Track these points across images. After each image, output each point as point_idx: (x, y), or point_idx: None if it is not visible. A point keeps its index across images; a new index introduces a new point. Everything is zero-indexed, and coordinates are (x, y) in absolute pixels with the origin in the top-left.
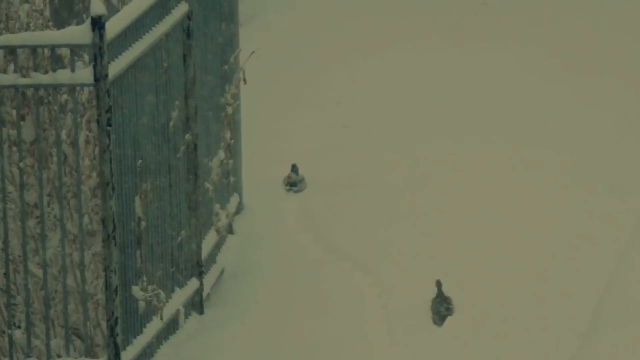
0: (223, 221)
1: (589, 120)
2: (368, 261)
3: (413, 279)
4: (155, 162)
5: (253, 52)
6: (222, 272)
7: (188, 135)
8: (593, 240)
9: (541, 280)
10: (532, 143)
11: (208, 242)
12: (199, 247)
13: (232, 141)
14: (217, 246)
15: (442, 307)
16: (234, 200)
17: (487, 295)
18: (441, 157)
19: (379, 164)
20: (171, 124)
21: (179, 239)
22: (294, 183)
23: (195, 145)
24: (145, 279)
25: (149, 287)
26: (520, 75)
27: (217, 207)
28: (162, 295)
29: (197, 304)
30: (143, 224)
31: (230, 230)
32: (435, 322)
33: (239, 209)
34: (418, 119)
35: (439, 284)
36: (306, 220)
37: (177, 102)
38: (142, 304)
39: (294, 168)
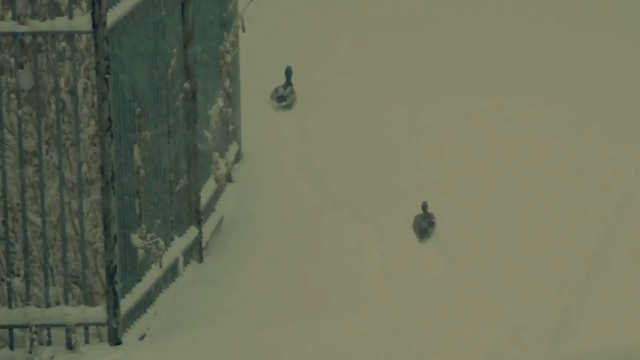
0: (222, 170)
1: (584, 72)
2: (365, 210)
3: (408, 228)
4: (154, 110)
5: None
6: (221, 221)
7: (187, 83)
8: (593, 186)
9: (535, 228)
10: (529, 94)
11: (207, 191)
12: (198, 195)
13: (231, 89)
14: (216, 195)
15: (424, 222)
16: (233, 148)
17: (482, 239)
18: (439, 111)
19: (377, 115)
20: (170, 71)
21: (178, 187)
22: (282, 97)
23: (194, 93)
24: (144, 227)
25: (148, 235)
26: (515, 28)
27: (216, 155)
28: (161, 243)
29: (196, 252)
30: (142, 172)
31: (229, 178)
32: (418, 238)
33: (238, 158)
34: (417, 78)
35: (424, 204)
36: (305, 169)
37: (175, 50)
38: (141, 252)
39: (287, 72)
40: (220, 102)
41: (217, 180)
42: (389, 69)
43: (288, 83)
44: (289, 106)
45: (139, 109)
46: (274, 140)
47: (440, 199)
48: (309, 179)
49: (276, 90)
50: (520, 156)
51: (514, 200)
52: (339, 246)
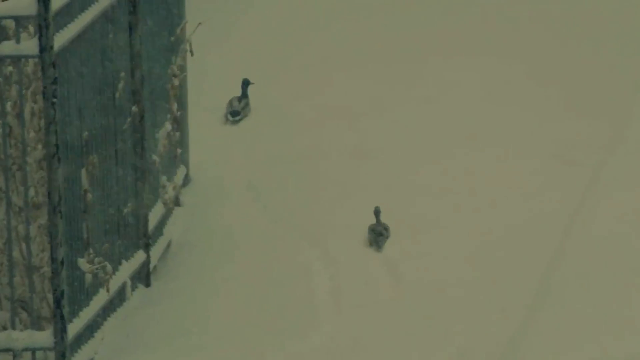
0: (170, 193)
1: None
2: (315, 232)
3: (358, 250)
4: (102, 134)
5: (200, 23)
6: (169, 244)
7: (134, 106)
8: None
9: (484, 250)
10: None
11: (155, 215)
12: (146, 219)
13: (179, 113)
14: (164, 218)
15: (378, 227)
16: (181, 172)
17: (431, 262)
18: (390, 131)
19: (328, 135)
20: (117, 95)
21: (126, 211)
22: (236, 111)
23: (142, 117)
24: (91, 251)
25: (96, 260)
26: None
27: (164, 179)
28: (109, 267)
29: (143, 277)
30: (89, 195)
31: (177, 202)
32: (370, 243)
33: (186, 181)
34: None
35: (377, 210)
36: (253, 192)
37: (123, 74)
38: (88, 277)
39: (244, 83)
40: (168, 125)
41: (165, 204)
42: (343, 92)
43: (244, 95)
44: (242, 120)
45: (86, 133)
46: (222, 163)
47: (390, 221)
48: (258, 203)
49: (230, 103)
50: (473, 179)
51: (462, 224)
52: (288, 269)
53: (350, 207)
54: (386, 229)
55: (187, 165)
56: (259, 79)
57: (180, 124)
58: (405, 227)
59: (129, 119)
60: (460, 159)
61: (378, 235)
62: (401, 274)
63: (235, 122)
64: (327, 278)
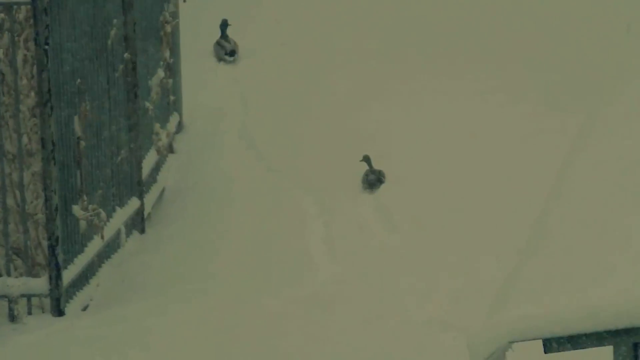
0: (163, 140)
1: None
2: (309, 180)
3: (351, 196)
4: (94, 81)
5: None
6: (162, 191)
7: (127, 53)
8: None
9: (476, 198)
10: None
11: (149, 162)
12: (140, 166)
13: (172, 60)
14: (158, 165)
15: (372, 176)
16: (174, 119)
17: (424, 210)
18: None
19: (323, 79)
20: (109, 42)
21: (119, 158)
22: (233, 51)
23: (134, 64)
24: (85, 198)
25: (90, 207)
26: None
27: (157, 126)
28: (103, 214)
29: (138, 223)
30: (82, 143)
31: (171, 149)
32: (365, 189)
33: (179, 128)
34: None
35: (366, 158)
36: (247, 139)
37: (115, 21)
38: (82, 224)
39: (222, 25)
40: (161, 72)
41: (158, 151)
42: (333, 36)
43: (224, 35)
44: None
45: (79, 80)
46: (215, 110)
47: (385, 169)
48: (252, 149)
49: (219, 44)
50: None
51: (456, 174)
52: (284, 216)
53: (342, 154)
54: (382, 175)
55: (179, 113)
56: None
57: (173, 71)
58: (399, 173)
59: (121, 66)
60: (456, 106)
61: (374, 182)
62: (394, 221)
63: (230, 62)
64: (321, 224)
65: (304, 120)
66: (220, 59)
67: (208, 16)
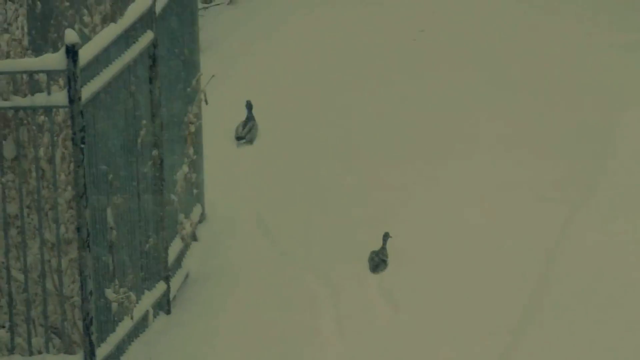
0: (187, 229)
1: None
2: (319, 265)
3: (360, 279)
4: (125, 176)
5: (213, 75)
6: (187, 276)
7: (155, 151)
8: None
9: (473, 280)
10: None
11: (174, 249)
12: (166, 253)
13: (195, 157)
14: (182, 252)
15: (376, 257)
16: (197, 209)
17: (425, 289)
18: (399, 171)
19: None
20: (139, 141)
21: (147, 246)
22: (240, 137)
23: (162, 161)
24: (117, 282)
25: (121, 290)
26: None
27: (182, 216)
28: (133, 297)
29: (164, 305)
30: (114, 232)
31: (194, 237)
32: (371, 270)
33: (202, 218)
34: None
35: (386, 235)
36: (263, 227)
37: (144, 122)
38: (114, 305)
39: (248, 106)
40: (185, 168)
41: (183, 239)
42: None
43: (249, 117)
44: (250, 142)
45: (111, 176)
46: (233, 201)
47: (389, 251)
48: (267, 237)
49: (236, 129)
50: (469, 214)
51: (455, 254)
52: (295, 298)
53: (353, 236)
54: (385, 257)
55: (202, 204)
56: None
57: (196, 166)
58: (403, 256)
59: (149, 162)
60: (451, 190)
61: (378, 263)
62: (397, 301)
63: (240, 145)
64: (330, 306)
65: (316, 206)
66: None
67: (228, 117)
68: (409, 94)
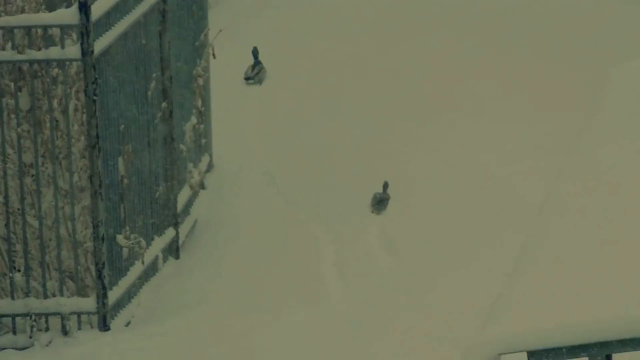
0: (196, 178)
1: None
2: (323, 212)
3: (358, 228)
4: (136, 127)
5: (220, 30)
6: (195, 223)
7: (164, 103)
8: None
9: (472, 229)
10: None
11: (183, 197)
12: (175, 201)
13: (203, 108)
14: (191, 200)
15: (378, 195)
16: (205, 159)
17: (425, 237)
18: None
19: (334, 117)
20: (149, 93)
21: (157, 194)
22: (248, 77)
23: (171, 112)
24: (128, 228)
25: (132, 236)
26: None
27: (190, 165)
28: (143, 242)
29: (173, 250)
30: (125, 181)
31: (202, 186)
32: (373, 208)
33: (210, 167)
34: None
35: (385, 184)
36: (269, 176)
37: (154, 75)
38: (125, 251)
39: (254, 52)
40: (194, 119)
41: (191, 187)
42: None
43: (256, 62)
44: (259, 82)
45: (122, 126)
46: (241, 152)
47: (391, 200)
48: (273, 186)
49: (245, 71)
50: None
51: (455, 205)
52: (299, 244)
53: (357, 186)
54: (387, 198)
55: (210, 154)
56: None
57: (204, 117)
58: (405, 206)
59: (159, 114)
60: (453, 140)
61: (379, 201)
62: (397, 247)
63: (250, 84)
64: (332, 251)
65: (322, 155)
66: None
67: (234, 69)
68: (410, 54)
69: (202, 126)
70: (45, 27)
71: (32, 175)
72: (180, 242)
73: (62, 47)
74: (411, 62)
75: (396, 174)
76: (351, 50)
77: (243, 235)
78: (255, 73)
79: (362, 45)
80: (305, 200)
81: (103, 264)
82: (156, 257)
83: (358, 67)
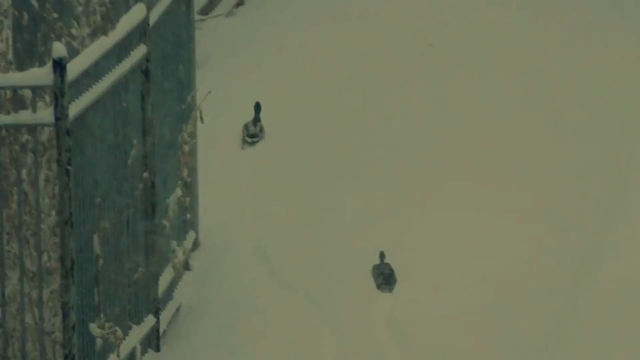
0: (180, 257)
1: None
2: (321, 296)
3: (365, 314)
4: (114, 200)
5: (209, 92)
6: (178, 308)
7: (146, 173)
8: None
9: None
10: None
11: (165, 279)
12: (156, 284)
13: (189, 179)
14: (174, 282)
15: (385, 269)
16: (190, 236)
17: (437, 326)
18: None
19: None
20: (130, 162)
21: (136, 276)
22: (254, 134)
23: (153, 183)
24: (102, 316)
25: (106, 324)
26: (471, 111)
27: (173, 243)
28: (119, 332)
29: (153, 341)
30: (101, 261)
31: (186, 266)
32: (378, 286)
33: (196, 246)
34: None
35: (381, 253)
36: (260, 256)
37: (135, 141)
38: (99, 341)
39: (256, 107)
40: (179, 191)
41: (174, 268)
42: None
43: (257, 119)
44: (259, 141)
45: (99, 199)
46: (229, 227)
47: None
48: (265, 265)
49: (246, 127)
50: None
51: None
52: (296, 335)
53: (356, 269)
54: (392, 274)
55: (196, 230)
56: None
57: (190, 189)
58: (410, 287)
59: (140, 185)
60: (461, 218)
61: (386, 277)
62: (408, 340)
63: (252, 144)
64: (334, 343)
65: (321, 222)
66: (243, 142)
67: (225, 135)
68: (417, 108)
69: (187, 199)
70: (15, 89)
71: None
72: (161, 331)
73: (34, 110)
74: (418, 119)
75: (400, 253)
76: (353, 107)
77: (231, 325)
78: (259, 129)
79: (364, 102)
80: (301, 280)
81: (73, 357)
82: (134, 349)
83: (362, 123)
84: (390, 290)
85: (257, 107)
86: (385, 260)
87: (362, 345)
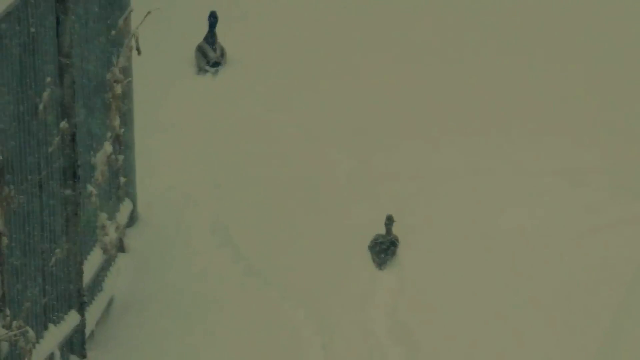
0: (111, 236)
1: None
2: (300, 288)
3: (356, 308)
4: (21, 159)
5: (149, 12)
6: (110, 303)
7: (64, 122)
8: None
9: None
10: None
11: (92, 263)
12: (80, 269)
13: (122, 130)
14: (104, 268)
15: (381, 238)
16: (125, 207)
17: (442, 325)
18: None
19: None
20: (42, 107)
21: (54, 259)
22: (216, 62)
23: (74, 136)
24: (8, 312)
25: (14, 324)
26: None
27: (103, 217)
28: (31, 333)
29: (77, 345)
30: (5, 240)
31: (121, 247)
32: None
33: (133, 220)
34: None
35: (389, 217)
36: (220, 233)
37: (48, 79)
38: (4, 345)
39: (212, 20)
40: (108, 147)
41: (104, 249)
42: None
43: (213, 37)
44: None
45: (0, 158)
46: (179, 196)
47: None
48: (227, 248)
49: (202, 50)
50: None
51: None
52: (271, 338)
53: (341, 252)
54: (393, 247)
55: (133, 199)
56: None
57: (124, 144)
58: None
59: (56, 139)
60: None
61: (384, 249)
62: (412, 339)
63: (215, 73)
64: (319, 348)
65: (297, 184)
66: (200, 69)
67: (164, 67)
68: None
69: (121, 157)
70: None
71: None
72: (87, 332)
73: None
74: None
75: (400, 213)
76: (335, 45)
77: (179, 326)
78: (220, 54)
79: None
80: (274, 266)
81: None
82: (51, 356)
83: (348, 62)
84: (383, 267)
85: (213, 17)
86: (393, 229)
87: (352, 350)
